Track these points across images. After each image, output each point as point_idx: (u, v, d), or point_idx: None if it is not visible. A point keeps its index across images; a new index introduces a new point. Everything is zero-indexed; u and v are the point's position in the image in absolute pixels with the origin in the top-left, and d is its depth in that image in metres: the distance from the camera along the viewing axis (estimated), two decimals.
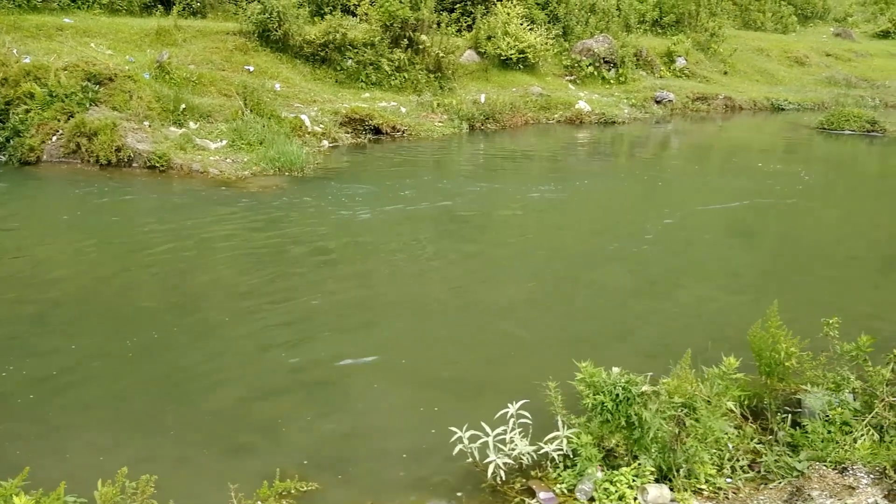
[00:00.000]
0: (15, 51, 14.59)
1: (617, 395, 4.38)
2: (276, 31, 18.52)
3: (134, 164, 12.84)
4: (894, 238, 10.92)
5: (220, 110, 15.38)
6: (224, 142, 14.22)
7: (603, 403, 4.39)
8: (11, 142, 13.06)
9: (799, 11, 33.63)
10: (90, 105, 13.56)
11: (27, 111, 13.28)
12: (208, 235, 9.68)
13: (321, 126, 16.22)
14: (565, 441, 4.64)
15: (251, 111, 15.29)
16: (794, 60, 28.26)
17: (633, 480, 4.43)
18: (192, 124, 14.71)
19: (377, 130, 16.99)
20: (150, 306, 7.43)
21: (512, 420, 4.72)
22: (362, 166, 14.45)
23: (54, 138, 13.07)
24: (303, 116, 16.15)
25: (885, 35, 32.68)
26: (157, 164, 12.75)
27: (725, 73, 25.62)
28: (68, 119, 13.17)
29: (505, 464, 4.51)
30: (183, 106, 14.80)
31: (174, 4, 19.41)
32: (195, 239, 9.49)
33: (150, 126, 13.88)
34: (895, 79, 27.04)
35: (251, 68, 17.81)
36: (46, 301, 7.46)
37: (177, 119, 14.58)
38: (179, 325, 6.94)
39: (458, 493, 4.56)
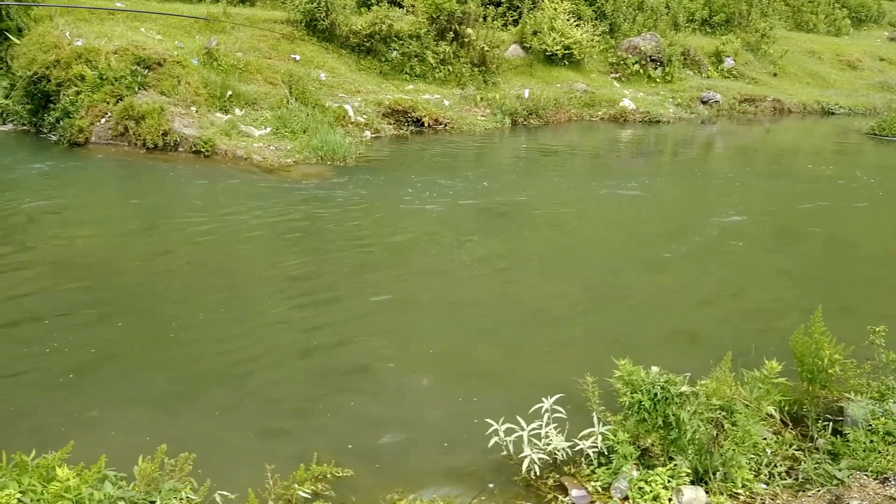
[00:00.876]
0: (67, 34, 14.86)
1: (655, 394, 4.34)
2: (323, 20, 18.60)
3: (180, 149, 13.01)
4: None
5: (266, 98, 15.52)
6: (268, 129, 14.34)
7: (641, 402, 4.35)
8: (61, 122, 13.33)
9: (853, 14, 32.92)
10: (139, 89, 13.78)
11: (77, 93, 13.53)
12: (251, 222, 9.77)
13: (364, 116, 16.29)
14: (600, 438, 4.61)
15: (296, 100, 15.41)
16: (847, 64, 27.70)
17: (669, 481, 4.38)
18: (237, 111, 14.86)
19: (419, 122, 17.01)
20: (193, 291, 7.52)
21: (547, 415, 4.70)
22: (404, 158, 14.49)
23: (103, 120, 13.30)
24: (346, 106, 16.22)
25: None
26: (203, 150, 12.90)
27: (775, 74, 25.19)
28: (117, 102, 13.39)
29: (539, 458, 4.50)
30: (229, 92, 14.96)
31: None
32: (238, 225, 9.59)
33: (196, 111, 14.05)
34: None
35: (297, 57, 17.92)
36: (91, 282, 7.59)
37: (223, 105, 14.74)
38: (220, 310, 7.01)
39: (491, 485, 4.56)
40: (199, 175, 11.99)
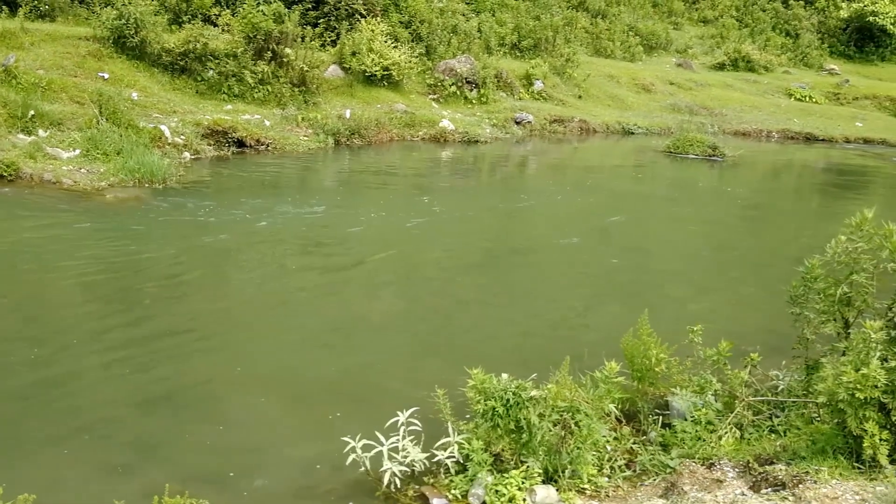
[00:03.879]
0: None
1: (507, 400, 4.53)
2: (133, 37, 17.81)
3: None
4: (754, 249, 11.76)
5: (73, 118, 14.64)
6: (77, 151, 13.52)
7: (494, 409, 4.52)
8: None
9: (645, 42, 35.60)
10: None
11: None
12: (60, 251, 9.16)
13: (182, 137, 15.72)
14: (456, 447, 4.74)
15: (107, 120, 14.63)
16: (642, 87, 29.88)
17: (523, 483, 4.58)
18: (41, 132, 13.92)
19: (241, 143, 16.64)
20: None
21: (403, 428, 4.78)
22: (225, 180, 14.12)
23: None
24: (162, 127, 15.60)
25: (721, 67, 35.13)
26: (4, 174, 11.96)
27: (580, 97, 26.75)
28: None
29: (399, 471, 4.56)
30: (32, 112, 13.99)
31: (20, 6, 18.30)
32: (45, 255, 8.96)
33: None
34: (731, 107, 29.11)
35: (106, 75, 17.04)
36: None
37: (25, 126, 13.76)
38: (34, 350, 6.52)
39: (350, 503, 4.56)
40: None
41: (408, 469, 4.66)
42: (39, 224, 10.17)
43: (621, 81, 29.76)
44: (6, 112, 13.58)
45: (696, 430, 5.33)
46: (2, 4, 18.72)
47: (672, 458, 5.06)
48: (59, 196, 11.54)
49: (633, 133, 24.76)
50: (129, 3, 17.94)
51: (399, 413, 4.81)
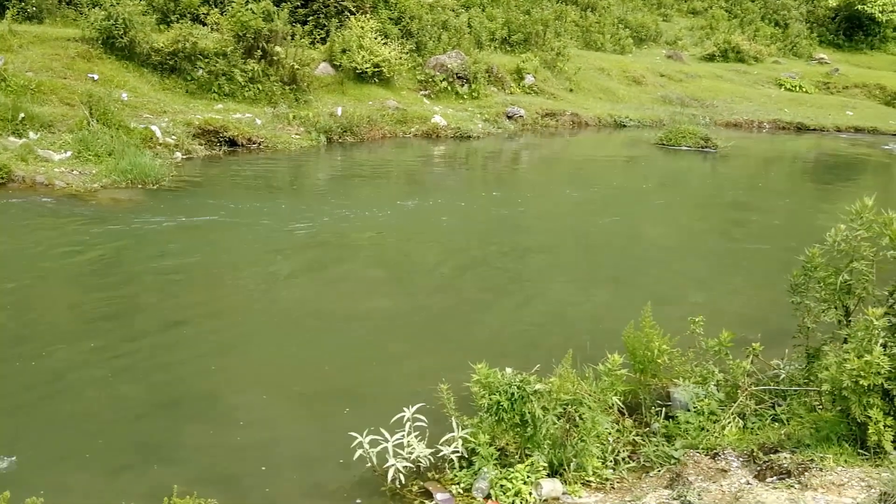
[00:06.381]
0: None
1: (512, 394, 4.52)
2: (122, 38, 17.71)
3: None
4: (749, 239, 11.78)
5: (64, 120, 14.57)
6: (69, 153, 13.46)
7: (499, 403, 4.51)
8: None
9: (634, 34, 35.59)
10: None
11: None
12: (54, 255, 9.15)
13: (173, 137, 15.66)
14: (461, 442, 4.73)
15: (97, 121, 14.55)
16: (633, 80, 29.88)
17: (528, 477, 4.57)
18: (32, 134, 13.84)
19: (233, 142, 16.58)
20: None
21: (409, 424, 4.77)
22: (218, 180, 14.06)
23: None
24: (153, 127, 15.53)
25: (711, 58, 35.15)
26: None
27: (571, 90, 26.74)
28: None
29: (404, 467, 4.55)
30: (22, 115, 13.92)
31: (7, 9, 18.17)
32: (41, 259, 8.92)
33: None
34: (721, 98, 29.14)
35: (95, 76, 16.94)
36: None
37: (15, 129, 13.69)
38: (28, 352, 6.49)
39: (357, 500, 4.55)
40: None
41: (413, 465, 4.65)
42: (34, 227, 10.10)
43: (612, 74, 29.77)
44: None
45: (700, 421, 5.34)
46: None
47: (676, 449, 5.06)
48: (52, 198, 11.47)
49: (624, 126, 24.75)
50: (117, 4, 17.85)
51: (405, 409, 4.80)
